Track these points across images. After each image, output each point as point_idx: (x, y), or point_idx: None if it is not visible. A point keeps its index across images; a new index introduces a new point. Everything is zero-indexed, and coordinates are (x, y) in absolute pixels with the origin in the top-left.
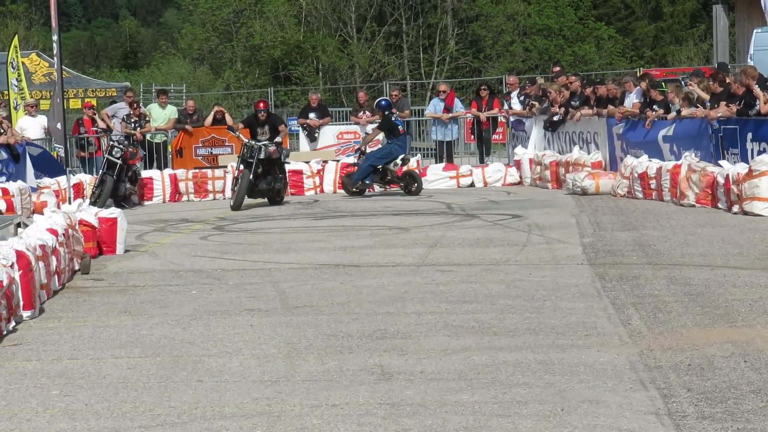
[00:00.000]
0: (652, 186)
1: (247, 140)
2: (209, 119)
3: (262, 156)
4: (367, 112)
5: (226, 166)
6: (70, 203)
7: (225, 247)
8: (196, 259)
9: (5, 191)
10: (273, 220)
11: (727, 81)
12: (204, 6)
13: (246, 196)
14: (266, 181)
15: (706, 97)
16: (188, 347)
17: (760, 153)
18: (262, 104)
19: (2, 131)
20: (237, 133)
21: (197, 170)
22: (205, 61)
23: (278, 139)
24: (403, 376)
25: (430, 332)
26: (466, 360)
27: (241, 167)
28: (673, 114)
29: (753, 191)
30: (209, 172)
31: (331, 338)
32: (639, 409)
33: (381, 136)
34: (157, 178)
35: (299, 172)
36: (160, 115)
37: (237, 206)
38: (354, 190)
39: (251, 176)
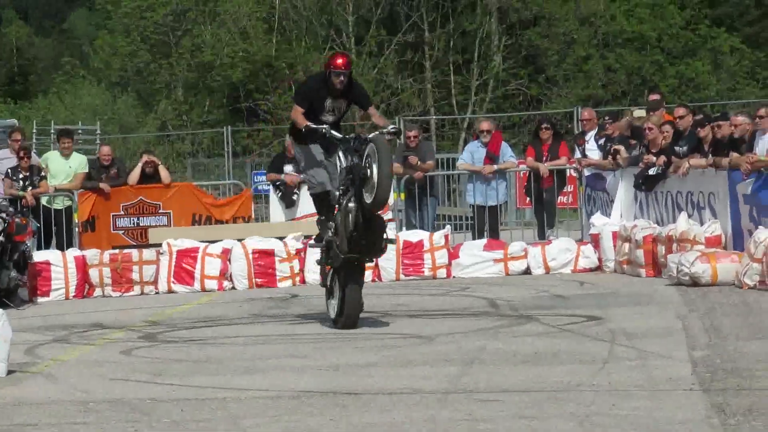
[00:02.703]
0: None
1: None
2: (135, 175)
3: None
4: None
5: (160, 245)
6: None
7: (159, 366)
8: (114, 385)
9: None
10: (230, 324)
11: None
12: (128, 4)
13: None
14: (376, 225)
15: None
16: None
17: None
18: (341, 59)
19: None
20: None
21: (116, 251)
22: (131, 87)
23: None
24: None
25: None
26: None
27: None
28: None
29: None
30: (134, 253)
31: None
32: None
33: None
34: (57, 263)
35: (270, 253)
36: (63, 168)
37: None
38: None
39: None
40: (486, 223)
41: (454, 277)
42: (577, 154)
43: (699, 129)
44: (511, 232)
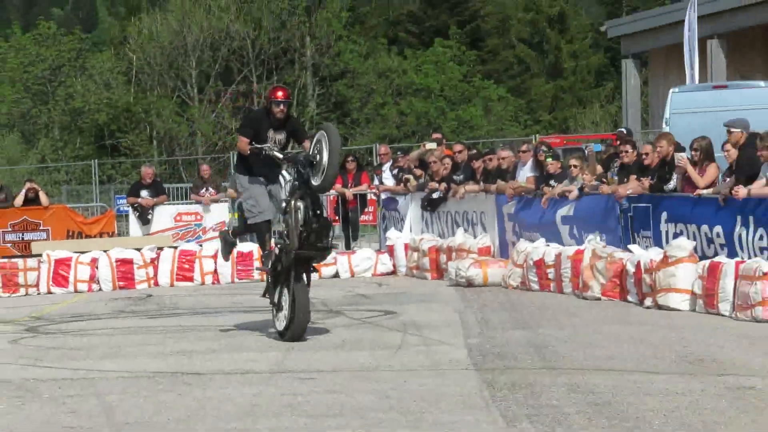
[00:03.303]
0: (550, 276)
1: (286, 152)
2: (20, 198)
3: (317, 181)
4: (211, 189)
5: (40, 255)
6: None
7: (39, 353)
8: (2, 368)
9: None
10: (98, 319)
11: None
12: (13, 61)
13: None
14: (322, 223)
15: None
16: None
17: (676, 236)
18: (281, 92)
19: None
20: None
21: (5, 260)
22: (15, 127)
23: None
24: None
25: None
26: None
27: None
28: (575, 192)
29: (669, 281)
30: (20, 261)
31: None
32: None
33: None
34: None
35: (129, 261)
36: None
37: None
38: None
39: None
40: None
41: None
42: (376, 182)
43: (473, 161)
44: None
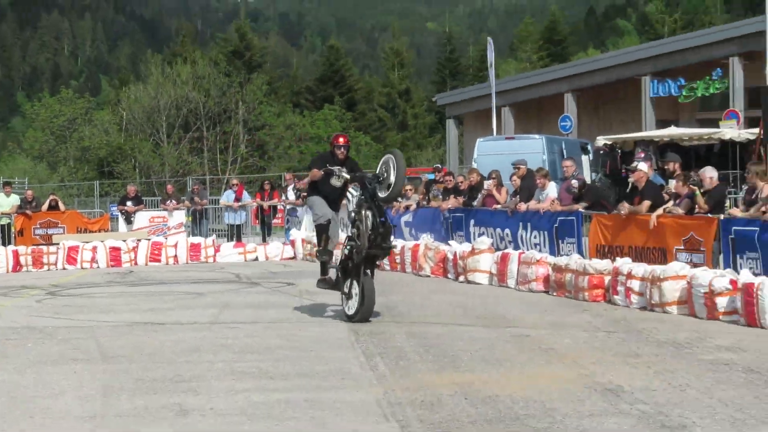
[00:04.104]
0: (398, 261)
1: (352, 174)
2: (45, 206)
3: (383, 194)
4: (174, 201)
5: (58, 244)
6: None
7: (56, 309)
8: (32, 318)
9: None
10: (96, 286)
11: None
12: (44, 115)
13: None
14: (386, 228)
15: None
16: (23, 390)
17: (480, 235)
18: (342, 138)
19: None
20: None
21: (35, 247)
22: (44, 158)
23: None
24: (197, 412)
25: (220, 377)
26: (247, 399)
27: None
28: (413, 205)
29: (474, 265)
30: (45, 248)
31: (139, 382)
32: None
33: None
34: (1, 253)
35: (117, 249)
36: (5, 203)
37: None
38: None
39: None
40: (235, 233)
41: (217, 262)
42: (283, 198)
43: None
44: (248, 238)
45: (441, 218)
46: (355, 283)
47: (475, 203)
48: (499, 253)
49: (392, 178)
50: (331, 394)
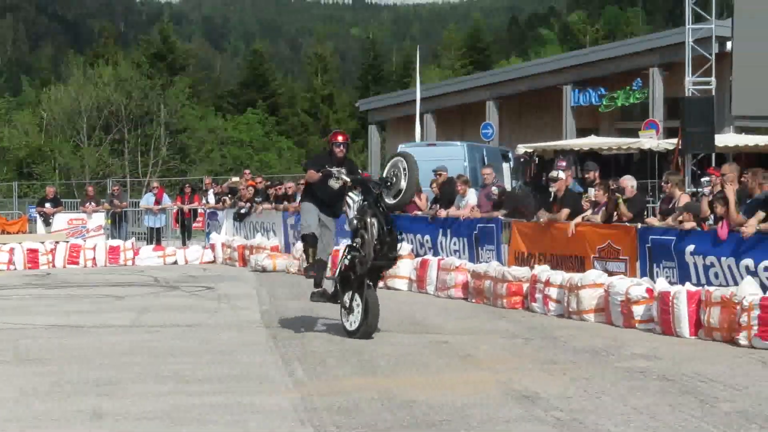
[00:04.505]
0: None
1: (352, 176)
2: None
3: (391, 200)
4: (93, 203)
5: None
6: None
7: None
8: None
9: None
10: (13, 288)
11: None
12: None
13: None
14: (393, 237)
15: None
16: None
17: (400, 242)
18: (341, 136)
19: None
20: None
21: None
22: None
23: None
24: (113, 416)
25: (137, 380)
26: (165, 402)
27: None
28: None
29: (394, 271)
30: None
31: (55, 385)
32: None
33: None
34: None
35: (35, 251)
36: None
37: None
38: None
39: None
40: (154, 236)
41: (136, 265)
42: (204, 201)
43: (268, 189)
44: (168, 241)
45: None
46: (357, 296)
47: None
48: (419, 259)
49: (403, 184)
50: (249, 399)
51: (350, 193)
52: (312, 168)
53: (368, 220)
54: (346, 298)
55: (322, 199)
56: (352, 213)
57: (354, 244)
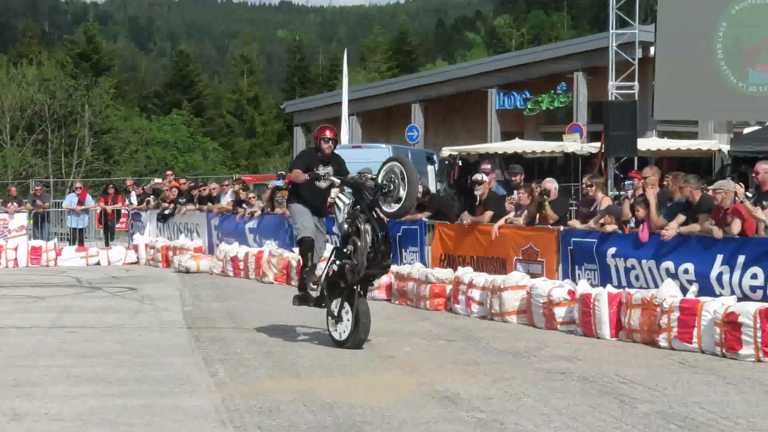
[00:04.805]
0: (241, 267)
1: (342, 177)
2: None
3: (390, 209)
4: (16, 204)
5: None
6: None
7: None
8: None
9: None
10: None
11: None
12: None
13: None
14: (388, 244)
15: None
16: None
17: (327, 242)
18: (329, 131)
19: None
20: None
21: None
22: None
23: None
24: (31, 417)
25: (56, 381)
26: (83, 404)
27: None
28: (258, 211)
29: (318, 272)
30: None
31: None
32: None
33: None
34: None
35: None
36: None
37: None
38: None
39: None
40: (77, 237)
41: (58, 265)
42: (128, 202)
43: (192, 190)
44: (91, 242)
45: (285, 225)
46: (347, 304)
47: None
48: None
49: (402, 192)
50: (169, 400)
51: (340, 195)
52: (298, 167)
53: (362, 226)
54: (334, 306)
55: (305, 199)
56: (342, 216)
57: (345, 251)
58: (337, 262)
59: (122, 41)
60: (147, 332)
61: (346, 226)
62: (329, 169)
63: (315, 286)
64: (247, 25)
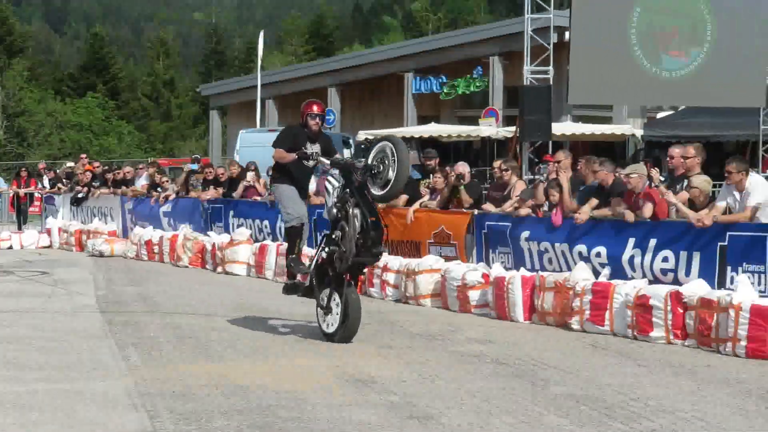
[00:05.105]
0: (155, 251)
1: (331, 158)
2: None
3: (378, 191)
4: None
5: None
6: None
7: None
8: None
9: None
10: None
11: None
12: None
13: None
14: (378, 230)
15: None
16: None
17: (239, 227)
18: (316, 106)
19: None
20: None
21: None
22: None
23: None
24: None
25: None
26: None
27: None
28: (172, 195)
29: (233, 256)
30: None
31: None
32: (131, 428)
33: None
34: None
35: None
36: None
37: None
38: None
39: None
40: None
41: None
42: (40, 185)
43: (106, 174)
44: (3, 226)
45: (200, 209)
46: (336, 294)
47: (234, 195)
48: (258, 244)
49: (391, 174)
50: (81, 384)
51: (329, 177)
52: (281, 146)
53: (350, 211)
54: (323, 296)
55: (295, 178)
56: (331, 200)
57: (334, 237)
58: (326, 249)
59: (37, 23)
60: (59, 316)
61: (335, 210)
62: (317, 147)
63: (294, 277)
64: (164, 7)
